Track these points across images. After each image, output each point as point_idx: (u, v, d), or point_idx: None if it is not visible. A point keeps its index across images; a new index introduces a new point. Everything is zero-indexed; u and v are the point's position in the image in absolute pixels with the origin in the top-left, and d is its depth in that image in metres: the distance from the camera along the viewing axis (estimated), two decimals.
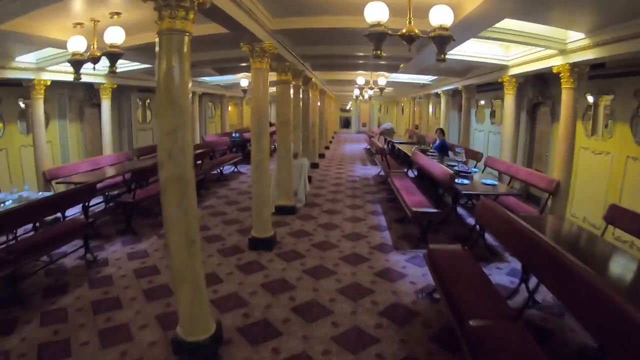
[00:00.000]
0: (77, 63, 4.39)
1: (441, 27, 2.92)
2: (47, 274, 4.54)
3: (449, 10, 2.90)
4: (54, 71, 6.60)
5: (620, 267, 3.18)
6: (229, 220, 6.64)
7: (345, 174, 11.37)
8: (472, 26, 4.13)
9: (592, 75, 5.47)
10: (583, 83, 5.59)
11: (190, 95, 2.63)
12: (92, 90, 8.64)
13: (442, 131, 9.58)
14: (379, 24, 2.73)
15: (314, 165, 11.74)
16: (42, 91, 6.65)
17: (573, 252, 2.82)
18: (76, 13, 4.27)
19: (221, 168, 10.44)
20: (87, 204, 5.42)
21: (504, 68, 7.13)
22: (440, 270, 3.38)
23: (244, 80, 11.06)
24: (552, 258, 2.60)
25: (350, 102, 27.15)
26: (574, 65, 5.17)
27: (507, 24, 4.56)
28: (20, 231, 4.82)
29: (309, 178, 9.08)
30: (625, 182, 5.37)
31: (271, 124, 14.38)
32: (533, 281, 3.71)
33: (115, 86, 8.40)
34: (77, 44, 4.28)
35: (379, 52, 2.74)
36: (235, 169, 11.62)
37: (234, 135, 13.47)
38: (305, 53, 6.98)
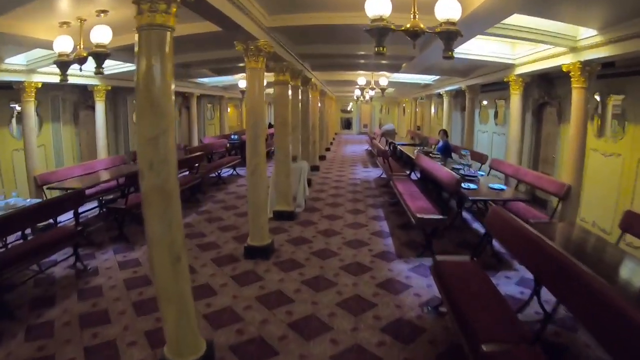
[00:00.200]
0: (63, 64, 4.19)
1: (448, 22, 2.69)
2: (36, 284, 4.38)
3: (456, 3, 2.67)
4: (45, 73, 6.41)
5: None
6: (226, 227, 6.41)
7: (347, 176, 11.13)
8: (479, 22, 3.90)
9: (601, 74, 5.24)
10: (592, 82, 5.36)
11: (173, 97, 2.39)
12: (87, 92, 8.43)
13: (445, 132, 9.34)
14: (381, 19, 2.50)
15: (314, 168, 11.51)
16: (33, 94, 6.47)
17: (588, 262, 2.61)
18: (62, 11, 4.08)
19: (219, 171, 10.22)
20: (77, 210, 5.25)
21: (509, 67, 6.89)
22: (448, 285, 3.14)
23: (242, 81, 10.81)
24: (569, 273, 2.38)
25: (351, 103, 27.00)
26: (585, 64, 4.93)
27: (515, 20, 4.33)
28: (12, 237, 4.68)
29: (309, 181, 8.85)
30: (638, 186, 5.14)
31: (270, 126, 14.27)
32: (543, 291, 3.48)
33: (109, 88, 8.20)
34: (64, 44, 4.09)
35: (381, 48, 2.50)
36: (234, 172, 11.40)
37: (232, 137, 13.25)
38: (303, 52, 6.75)
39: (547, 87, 7.53)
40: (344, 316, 3.64)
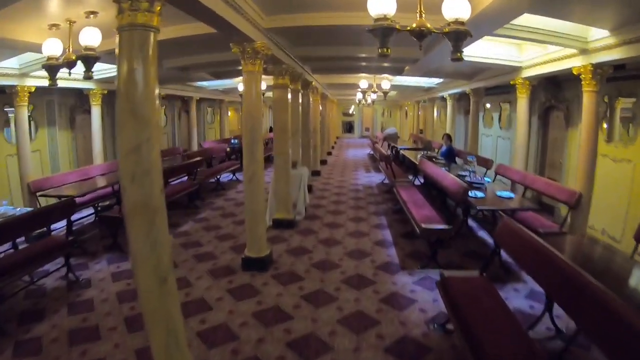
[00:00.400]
0: (52, 68, 4.02)
1: (457, 22, 2.49)
2: (26, 296, 4.24)
3: (465, 1, 2.47)
4: (38, 77, 6.23)
5: None
6: (223, 236, 6.20)
7: (348, 182, 10.92)
8: (488, 22, 3.70)
9: (610, 76, 5.05)
10: (602, 85, 5.17)
11: (158, 103, 2.18)
12: (83, 96, 8.24)
13: (449, 137, 9.12)
14: (385, 18, 2.30)
15: (316, 173, 11.31)
16: (26, 98, 6.31)
17: (605, 280, 2.41)
18: (51, 13, 3.91)
19: (219, 176, 10.03)
20: (70, 219, 5.08)
21: (516, 70, 6.68)
22: (456, 302, 2.93)
23: (241, 84, 10.63)
24: (584, 292, 2.22)
25: (353, 107, 26.84)
26: (596, 66, 4.74)
27: (524, 20, 4.14)
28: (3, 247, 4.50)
29: (310, 187, 8.65)
30: None
31: (272, 129, 14.09)
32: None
33: (105, 92, 8.02)
34: (52, 47, 3.93)
35: (385, 49, 2.30)
36: (234, 177, 11.21)
37: (232, 141, 13.06)
38: (303, 54, 6.56)
39: (554, 90, 7.32)
40: (345, 335, 3.42)
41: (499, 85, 8.23)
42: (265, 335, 3.43)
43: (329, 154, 16.81)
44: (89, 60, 3.74)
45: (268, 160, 9.74)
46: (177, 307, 2.43)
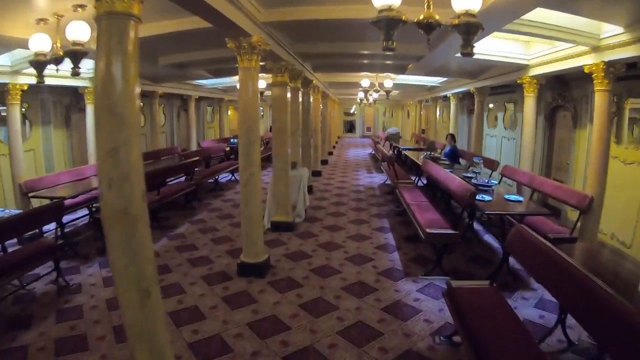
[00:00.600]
0: (39, 64, 3.84)
1: (467, 13, 2.30)
2: (15, 301, 4.08)
3: None
4: (31, 74, 6.01)
5: None
6: (220, 239, 6.01)
7: (350, 182, 10.71)
8: (498, 17, 3.51)
9: (620, 76, 4.84)
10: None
11: (139, 102, 1.98)
12: (79, 95, 8.06)
13: (453, 137, 8.91)
14: (390, 9, 2.10)
15: (316, 173, 11.11)
16: (18, 96, 6.15)
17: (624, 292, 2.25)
18: (39, 7, 3.73)
19: (217, 176, 9.84)
20: (61, 221, 4.92)
21: (523, 68, 6.48)
22: (464, 314, 2.73)
23: None
24: (603, 306, 2.06)
25: (355, 106, 26.65)
26: (609, 64, 4.54)
27: (534, 15, 3.93)
28: None
29: (310, 188, 8.46)
30: None
31: (271, 129, 13.90)
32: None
33: None
34: (40, 42, 3.75)
35: (390, 43, 2.09)
36: (232, 177, 11.01)
37: (232, 140, 12.85)
38: (304, 51, 6.34)
39: (561, 89, 7.12)
40: (346, 348, 3.22)
41: (503, 84, 8.03)
42: (260, 348, 3.23)
43: (330, 153, 16.62)
44: (77, 55, 3.56)
45: (268, 160, 9.56)
46: (162, 325, 2.23)
